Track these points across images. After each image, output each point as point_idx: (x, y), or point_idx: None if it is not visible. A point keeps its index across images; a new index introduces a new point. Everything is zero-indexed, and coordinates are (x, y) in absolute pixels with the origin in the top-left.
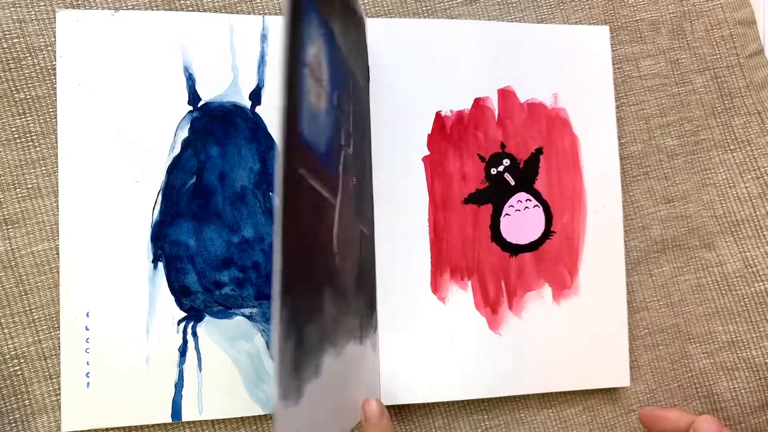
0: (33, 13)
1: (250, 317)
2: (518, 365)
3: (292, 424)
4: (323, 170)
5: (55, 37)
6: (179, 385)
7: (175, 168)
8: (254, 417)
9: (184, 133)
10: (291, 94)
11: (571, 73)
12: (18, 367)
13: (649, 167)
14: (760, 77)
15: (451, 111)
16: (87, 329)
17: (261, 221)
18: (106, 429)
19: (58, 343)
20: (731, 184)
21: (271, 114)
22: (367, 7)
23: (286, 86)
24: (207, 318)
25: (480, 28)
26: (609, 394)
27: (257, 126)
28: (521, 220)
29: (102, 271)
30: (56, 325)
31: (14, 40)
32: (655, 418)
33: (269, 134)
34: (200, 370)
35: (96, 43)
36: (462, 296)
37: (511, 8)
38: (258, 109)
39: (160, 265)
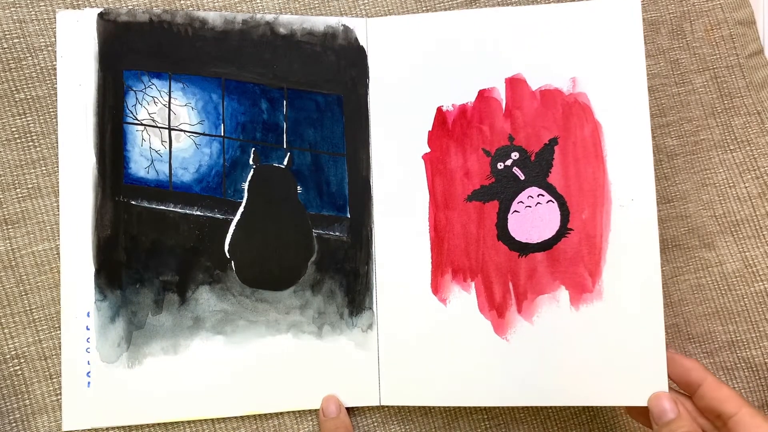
0: (33, 13)
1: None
2: (530, 374)
3: None
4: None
5: (55, 37)
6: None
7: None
8: (254, 416)
9: None
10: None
11: (594, 54)
12: (18, 367)
13: None
14: (760, 77)
15: (453, 105)
16: (87, 329)
17: None
18: (106, 429)
19: (58, 343)
20: (731, 184)
21: None
22: (367, 6)
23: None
24: None
25: (482, 15)
26: None
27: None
28: (532, 217)
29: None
30: (56, 325)
31: (14, 40)
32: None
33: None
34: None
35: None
36: (464, 298)
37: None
38: None
39: None
